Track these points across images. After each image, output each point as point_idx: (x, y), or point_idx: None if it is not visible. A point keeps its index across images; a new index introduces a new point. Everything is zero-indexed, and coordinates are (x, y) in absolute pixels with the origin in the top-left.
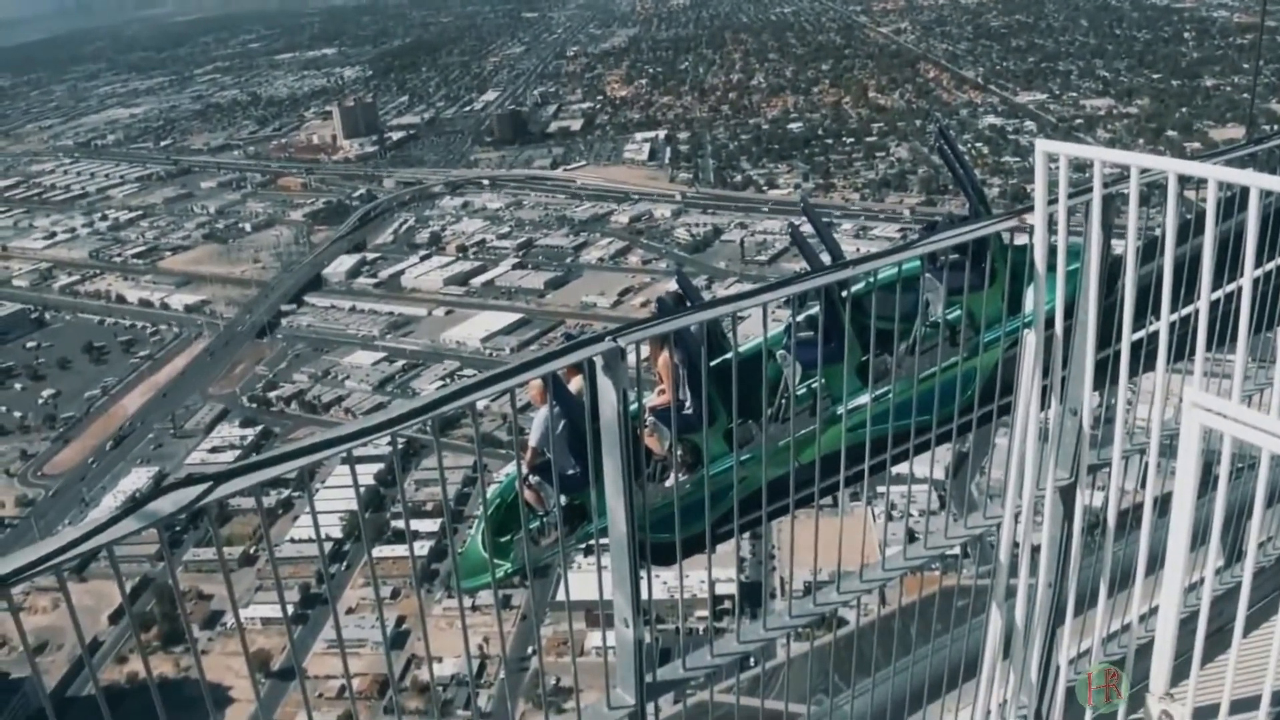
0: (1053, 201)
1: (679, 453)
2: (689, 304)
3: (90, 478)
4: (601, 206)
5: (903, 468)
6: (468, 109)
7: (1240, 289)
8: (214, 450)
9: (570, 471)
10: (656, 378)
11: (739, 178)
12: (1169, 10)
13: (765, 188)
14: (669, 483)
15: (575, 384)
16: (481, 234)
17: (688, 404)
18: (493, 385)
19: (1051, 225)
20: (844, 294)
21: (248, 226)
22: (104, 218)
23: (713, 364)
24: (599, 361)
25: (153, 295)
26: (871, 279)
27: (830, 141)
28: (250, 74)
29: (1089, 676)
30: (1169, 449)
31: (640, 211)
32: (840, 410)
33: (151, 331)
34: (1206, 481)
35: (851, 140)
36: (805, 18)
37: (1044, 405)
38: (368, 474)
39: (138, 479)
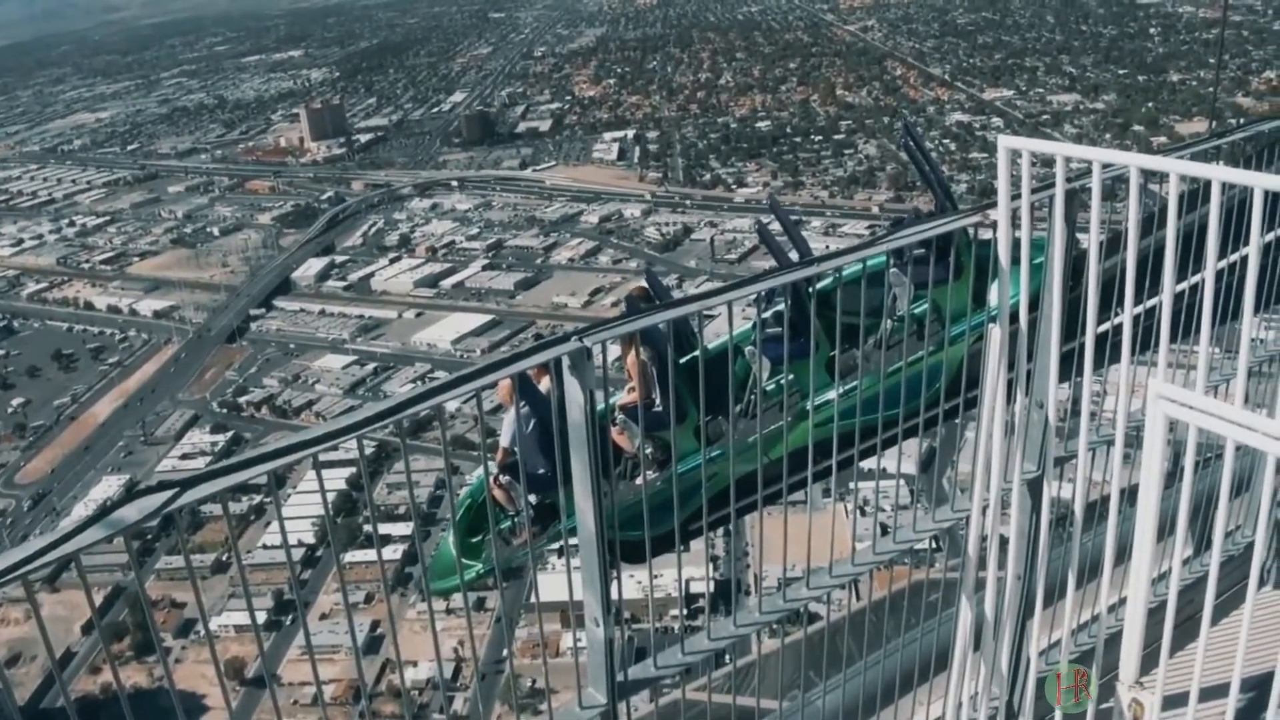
0: (1016, 197)
1: (649, 450)
2: (657, 302)
3: (60, 487)
4: (571, 207)
5: (871, 462)
6: (435, 110)
7: (1204, 281)
8: (184, 457)
9: (540, 471)
10: (626, 376)
11: (708, 176)
12: (1134, 6)
13: (734, 186)
14: (639, 480)
15: (545, 384)
16: (451, 235)
17: (657, 402)
18: (460, 386)
19: (1016, 221)
20: (810, 290)
21: (216, 230)
22: (71, 224)
23: (682, 361)
24: (566, 361)
25: (121, 301)
26: (838, 275)
27: (798, 139)
28: (217, 77)
29: (1058, 675)
30: (1135, 440)
31: (610, 211)
32: (808, 406)
33: (120, 338)
34: (1173, 472)
35: (820, 138)
36: (772, 16)
37: (1010, 399)
38: (339, 478)
39: (108, 487)
